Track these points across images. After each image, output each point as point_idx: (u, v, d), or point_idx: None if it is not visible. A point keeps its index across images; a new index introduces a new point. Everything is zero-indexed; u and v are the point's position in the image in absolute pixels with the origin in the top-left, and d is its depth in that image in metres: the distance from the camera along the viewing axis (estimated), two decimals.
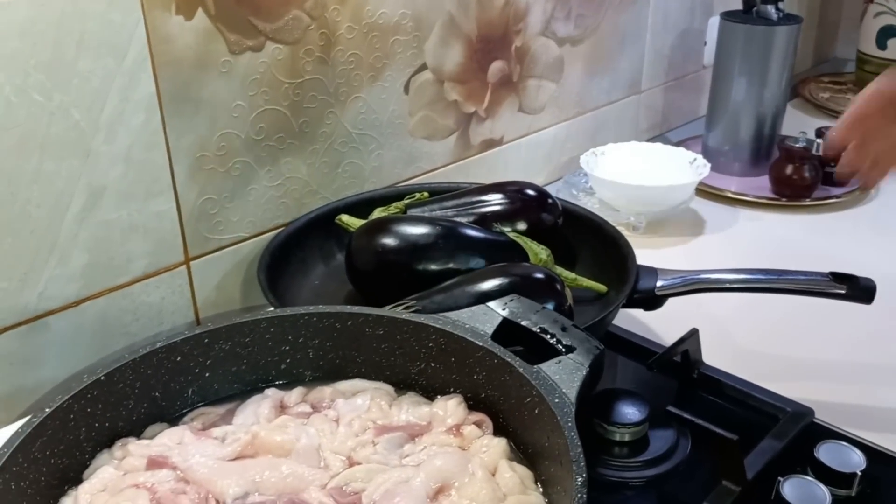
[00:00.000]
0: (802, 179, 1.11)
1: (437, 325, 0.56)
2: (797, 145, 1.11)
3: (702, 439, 0.65)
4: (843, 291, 0.70)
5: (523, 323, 0.56)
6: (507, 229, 0.80)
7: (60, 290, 0.71)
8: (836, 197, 1.12)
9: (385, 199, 0.87)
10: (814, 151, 1.11)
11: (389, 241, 0.75)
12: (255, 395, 0.58)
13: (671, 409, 0.64)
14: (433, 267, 0.74)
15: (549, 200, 0.83)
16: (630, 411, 0.67)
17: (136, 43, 0.69)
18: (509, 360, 0.52)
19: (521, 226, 0.81)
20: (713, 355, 0.76)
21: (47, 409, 0.48)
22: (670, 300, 0.75)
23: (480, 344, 0.54)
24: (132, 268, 0.75)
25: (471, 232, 0.77)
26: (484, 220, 0.81)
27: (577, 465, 0.43)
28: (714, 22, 1.31)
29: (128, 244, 0.74)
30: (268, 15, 0.77)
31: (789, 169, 1.12)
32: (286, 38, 0.79)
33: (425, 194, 0.86)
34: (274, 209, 0.84)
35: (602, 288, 0.78)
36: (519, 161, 1.11)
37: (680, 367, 0.75)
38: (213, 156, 0.77)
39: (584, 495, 0.41)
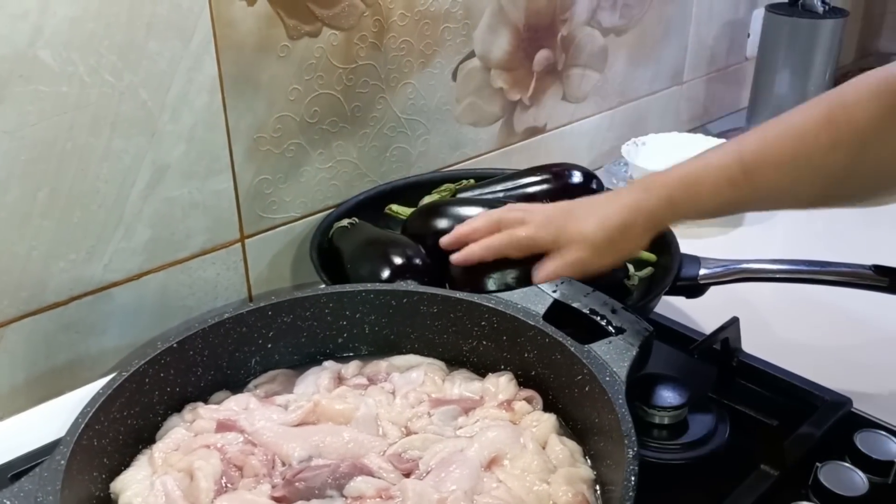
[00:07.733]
0: None
1: (490, 305, 0.58)
2: None
3: (741, 425, 0.66)
4: (884, 284, 0.71)
5: (574, 304, 0.58)
6: None
7: (124, 263, 0.74)
8: None
9: (431, 183, 0.89)
10: None
11: (443, 223, 0.77)
12: (313, 367, 0.60)
13: (712, 394, 0.66)
14: None
15: (594, 183, 0.85)
16: (670, 395, 0.68)
17: (202, 26, 0.71)
18: (561, 339, 0.54)
19: None
20: (751, 344, 0.77)
21: (125, 373, 0.51)
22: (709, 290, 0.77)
23: (532, 323, 0.56)
24: (191, 244, 0.78)
25: None
26: (531, 200, 0.82)
27: (628, 440, 0.45)
28: (758, 14, 1.31)
29: (188, 221, 0.77)
30: (325, 1, 0.79)
31: None
32: (342, 24, 0.81)
33: (472, 181, 0.88)
34: (325, 190, 0.87)
35: (652, 256, 0.79)
36: (561, 149, 1.13)
37: (720, 354, 0.76)
38: (270, 137, 0.80)
39: (636, 467, 0.43)
